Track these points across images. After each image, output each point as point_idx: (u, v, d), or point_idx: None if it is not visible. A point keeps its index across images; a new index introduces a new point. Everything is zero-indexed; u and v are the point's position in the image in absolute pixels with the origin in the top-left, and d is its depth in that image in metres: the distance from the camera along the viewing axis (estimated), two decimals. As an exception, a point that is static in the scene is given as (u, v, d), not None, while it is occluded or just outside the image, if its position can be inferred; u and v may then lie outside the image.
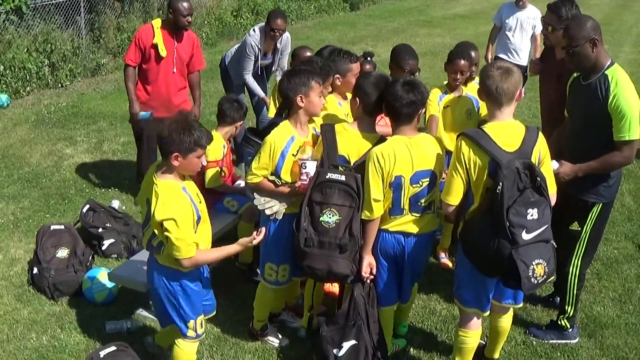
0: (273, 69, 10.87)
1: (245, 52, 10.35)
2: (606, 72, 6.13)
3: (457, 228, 5.92)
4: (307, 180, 5.77)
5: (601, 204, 6.48)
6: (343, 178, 5.65)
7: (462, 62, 7.54)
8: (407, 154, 5.62)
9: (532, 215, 5.24)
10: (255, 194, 6.11)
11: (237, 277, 8.00)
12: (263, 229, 5.74)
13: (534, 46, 12.91)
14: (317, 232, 5.66)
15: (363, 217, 5.69)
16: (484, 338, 6.70)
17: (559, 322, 7.06)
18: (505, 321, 6.30)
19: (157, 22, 9.21)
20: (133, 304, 7.43)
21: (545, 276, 5.37)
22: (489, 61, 12.39)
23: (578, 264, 6.70)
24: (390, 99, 5.67)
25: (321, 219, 5.64)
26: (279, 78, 10.64)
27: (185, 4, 8.98)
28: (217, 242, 7.63)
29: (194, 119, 5.47)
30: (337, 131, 5.90)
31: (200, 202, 5.50)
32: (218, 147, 7.61)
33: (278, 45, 10.57)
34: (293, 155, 5.94)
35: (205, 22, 21.14)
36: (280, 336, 6.95)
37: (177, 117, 5.36)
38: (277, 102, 7.51)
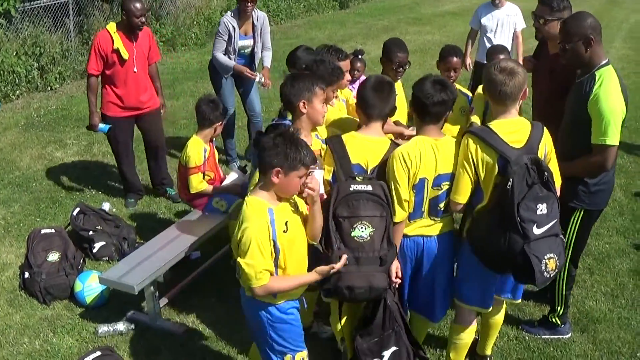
0: (256, 50, 10.78)
1: (218, 31, 10.45)
2: (596, 72, 6.03)
3: (463, 227, 5.85)
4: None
5: (583, 211, 6.40)
6: (370, 188, 5.37)
7: (455, 59, 7.55)
8: (432, 155, 5.49)
9: (541, 210, 5.23)
10: None
11: (225, 272, 7.90)
12: (344, 256, 5.23)
13: (515, 44, 12.43)
14: (350, 249, 5.31)
15: (395, 220, 5.49)
16: (476, 334, 6.70)
17: (550, 319, 7.07)
18: (498, 316, 6.30)
19: (112, 27, 9.18)
20: (125, 307, 7.41)
21: (556, 270, 5.35)
22: (468, 68, 12.38)
23: (565, 266, 6.65)
24: (421, 97, 5.51)
25: (353, 234, 5.32)
26: (266, 60, 10.77)
27: (137, 5, 8.96)
28: (209, 241, 7.68)
29: (299, 135, 5.08)
30: (345, 140, 5.67)
31: (285, 231, 4.97)
32: (198, 152, 7.66)
33: (255, 23, 10.56)
34: None
35: (195, 22, 21.14)
36: None
37: (283, 131, 4.97)
38: None
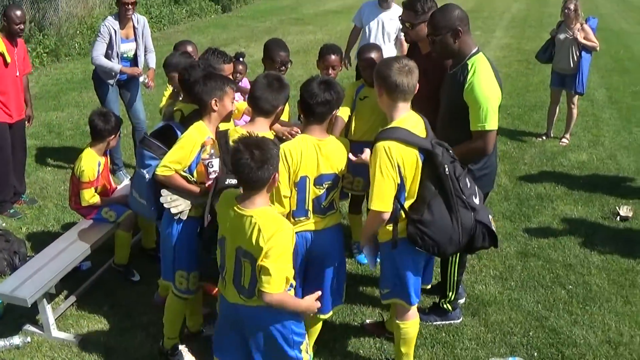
0: (139, 53, 10.80)
1: (98, 33, 10.42)
2: (468, 61, 6.21)
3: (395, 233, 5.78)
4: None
5: None
6: None
7: (333, 57, 7.71)
8: (314, 155, 5.61)
9: (468, 183, 5.65)
10: (163, 190, 6.00)
11: (115, 281, 8.04)
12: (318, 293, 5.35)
13: (400, 52, 11.16)
14: None
15: None
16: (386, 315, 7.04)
17: (442, 306, 7.25)
18: None
19: None
20: (20, 320, 7.34)
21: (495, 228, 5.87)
22: (347, 66, 11.31)
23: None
24: (305, 97, 5.61)
25: None
26: (150, 62, 10.84)
27: (17, 12, 9.26)
28: (98, 251, 7.66)
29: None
30: (230, 135, 5.85)
31: None
32: (92, 168, 7.72)
33: (136, 26, 10.63)
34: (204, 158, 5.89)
35: (78, 31, 20.92)
36: (193, 358, 6.73)
37: (252, 142, 4.78)
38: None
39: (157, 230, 7.96)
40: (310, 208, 5.75)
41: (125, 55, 10.61)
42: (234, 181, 5.45)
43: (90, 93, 13.13)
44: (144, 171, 6.23)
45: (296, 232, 5.68)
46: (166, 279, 6.42)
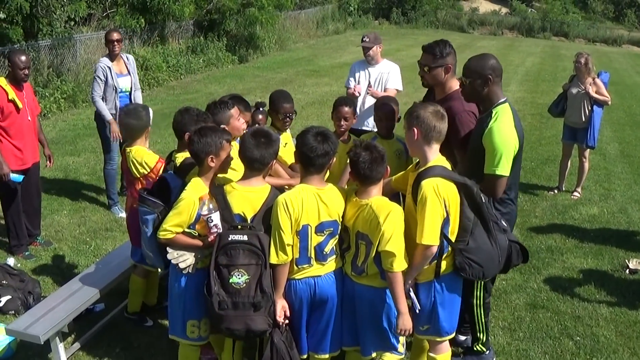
0: (134, 89, 11.62)
1: (95, 75, 11.34)
2: (493, 109, 6.45)
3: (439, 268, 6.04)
4: (218, 231, 5.84)
5: None
6: (245, 238, 5.65)
7: (346, 108, 7.71)
8: (314, 204, 5.70)
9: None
10: (168, 247, 6.06)
11: (128, 324, 8.05)
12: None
13: None
14: (229, 294, 5.63)
15: (274, 262, 5.66)
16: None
17: (475, 348, 7.30)
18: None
19: (2, 80, 9.43)
20: (32, 358, 7.41)
21: None
22: None
23: (480, 295, 6.97)
24: (305, 150, 5.71)
25: (231, 280, 5.62)
26: (137, 99, 11.56)
27: (22, 57, 9.35)
28: (111, 294, 7.75)
29: None
30: (227, 192, 5.88)
31: None
32: (147, 152, 7.40)
33: (126, 61, 11.60)
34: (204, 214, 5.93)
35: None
36: None
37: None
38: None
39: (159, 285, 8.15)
40: (313, 255, 5.83)
41: (123, 90, 11.34)
42: (237, 237, 5.67)
43: (93, 139, 13.23)
44: (144, 227, 6.32)
45: (300, 279, 5.90)
46: (174, 334, 6.40)
